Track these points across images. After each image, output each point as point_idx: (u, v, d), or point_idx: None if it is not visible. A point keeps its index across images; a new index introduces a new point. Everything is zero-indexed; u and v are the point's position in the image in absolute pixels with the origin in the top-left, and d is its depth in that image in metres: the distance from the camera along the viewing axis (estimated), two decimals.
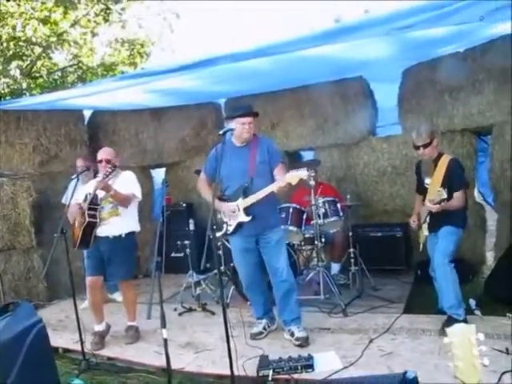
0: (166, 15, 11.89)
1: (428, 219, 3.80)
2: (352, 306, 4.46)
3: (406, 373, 1.64)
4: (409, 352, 3.33)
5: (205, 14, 35.84)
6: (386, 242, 5.51)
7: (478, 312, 3.89)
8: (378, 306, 4.42)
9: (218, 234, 3.86)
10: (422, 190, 3.96)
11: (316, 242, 4.68)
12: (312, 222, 4.72)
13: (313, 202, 4.64)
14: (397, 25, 3.43)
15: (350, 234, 5.01)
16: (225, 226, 3.80)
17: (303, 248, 5.05)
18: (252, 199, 3.61)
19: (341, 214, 4.84)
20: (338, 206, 4.86)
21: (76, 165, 5.31)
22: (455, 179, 3.66)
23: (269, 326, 4.02)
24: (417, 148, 3.78)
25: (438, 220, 3.70)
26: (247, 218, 3.66)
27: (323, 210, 4.72)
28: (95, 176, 4.60)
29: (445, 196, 3.41)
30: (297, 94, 6.09)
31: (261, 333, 3.94)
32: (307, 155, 6.73)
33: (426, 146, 3.71)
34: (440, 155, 3.79)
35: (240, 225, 3.71)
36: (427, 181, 3.84)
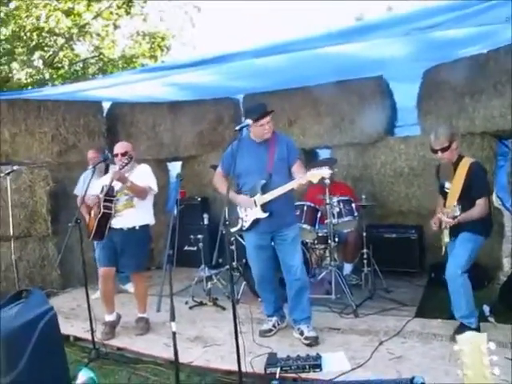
0: (188, 9, 11.92)
1: (449, 225, 3.59)
2: (363, 307, 4.43)
3: (413, 378, 1.62)
4: (419, 356, 3.29)
5: (227, 10, 35.81)
6: (400, 244, 5.45)
7: (491, 319, 3.81)
8: (389, 309, 4.38)
9: (233, 230, 3.87)
10: (442, 194, 3.80)
11: (329, 242, 4.66)
12: (326, 221, 4.69)
13: (327, 201, 4.60)
14: (419, 25, 3.36)
15: (364, 234, 4.96)
16: (240, 221, 3.79)
17: (316, 247, 5.02)
18: (271, 195, 3.58)
19: (355, 213, 4.80)
20: (353, 205, 4.82)
21: (87, 156, 5.33)
22: (477, 185, 3.46)
23: (278, 324, 4.02)
24: (434, 152, 3.60)
25: (457, 225, 3.49)
26: (264, 215, 3.64)
27: (337, 210, 4.69)
28: (107, 170, 4.65)
29: (457, 213, 3.25)
30: (314, 91, 6.03)
31: (270, 330, 3.94)
32: (323, 153, 6.68)
33: (444, 149, 3.53)
34: (460, 158, 3.60)
35: (256, 221, 3.70)
36: (447, 185, 3.67)
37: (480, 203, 3.46)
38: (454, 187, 3.54)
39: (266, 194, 3.60)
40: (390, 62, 4.89)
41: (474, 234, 3.53)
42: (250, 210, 3.70)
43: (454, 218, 3.30)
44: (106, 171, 4.73)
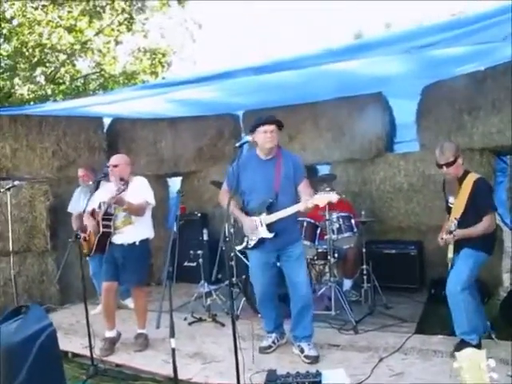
0: (188, 25, 12.07)
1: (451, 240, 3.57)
2: (363, 323, 4.40)
3: None
4: (419, 373, 3.27)
5: (226, 26, 36.26)
6: (399, 260, 5.45)
7: (492, 335, 3.79)
8: (389, 325, 4.36)
9: (239, 248, 3.88)
10: (447, 210, 3.79)
11: (329, 257, 4.66)
12: (326, 237, 4.69)
13: (327, 217, 4.61)
14: (418, 43, 3.41)
15: (364, 250, 4.96)
16: (246, 239, 3.75)
17: (316, 263, 5.01)
18: (276, 216, 3.55)
19: (355, 229, 4.81)
20: (353, 221, 4.83)
21: (78, 174, 5.35)
22: (482, 201, 3.45)
23: (278, 340, 4.00)
24: (440, 167, 3.58)
25: (459, 241, 3.50)
26: (270, 235, 3.61)
27: (337, 225, 4.70)
28: (97, 187, 4.65)
29: (453, 229, 3.29)
30: (315, 107, 6.10)
31: (270, 347, 3.92)
32: (323, 169, 6.71)
33: (449, 164, 3.51)
34: (466, 174, 3.59)
35: (262, 240, 3.67)
36: (451, 200, 3.67)
37: (486, 219, 3.45)
38: (458, 202, 3.54)
39: (272, 214, 3.56)
40: (388, 79, 4.96)
41: (475, 250, 3.51)
42: (255, 230, 3.66)
43: (450, 232, 3.31)
44: (97, 187, 4.74)
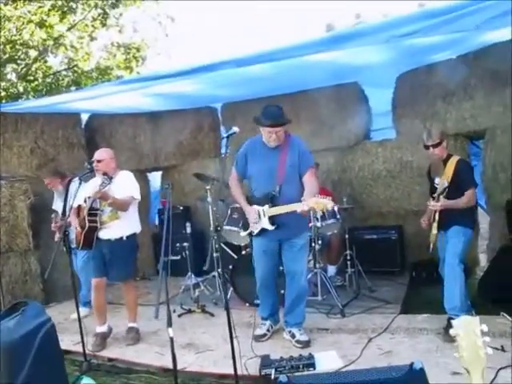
0: (162, 19, 11.97)
1: (437, 217, 3.78)
2: (349, 307, 4.53)
3: (412, 364, 1.72)
4: (407, 350, 3.41)
5: (199, 20, 35.98)
6: (381, 244, 5.62)
7: (472, 313, 3.96)
8: (375, 307, 4.50)
9: (243, 234, 3.89)
10: (432, 192, 3.94)
11: (313, 244, 4.75)
12: (310, 225, 4.78)
13: None
14: (397, 32, 3.51)
15: (347, 236, 5.09)
16: (250, 226, 3.77)
17: None
18: (277, 211, 3.57)
19: (338, 216, 4.92)
20: (336, 208, 4.93)
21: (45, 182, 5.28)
22: (464, 178, 3.69)
23: (272, 327, 4.03)
24: (427, 148, 3.81)
25: (446, 218, 3.70)
26: (271, 227, 3.64)
27: (321, 213, 4.78)
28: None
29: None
30: (294, 98, 6.15)
31: (265, 335, 3.94)
32: None
33: (435, 145, 3.75)
34: (449, 156, 3.85)
35: (264, 230, 3.70)
36: (437, 181, 3.85)
37: (468, 193, 3.67)
38: (444, 181, 3.73)
39: (273, 208, 3.58)
40: (364, 68, 5.04)
41: (464, 227, 3.74)
42: (257, 220, 3.68)
43: (443, 191, 3.50)
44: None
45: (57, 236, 4.97)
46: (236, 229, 4.75)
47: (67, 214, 3.99)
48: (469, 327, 1.51)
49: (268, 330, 3.98)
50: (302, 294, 3.84)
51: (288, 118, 3.73)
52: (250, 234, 3.84)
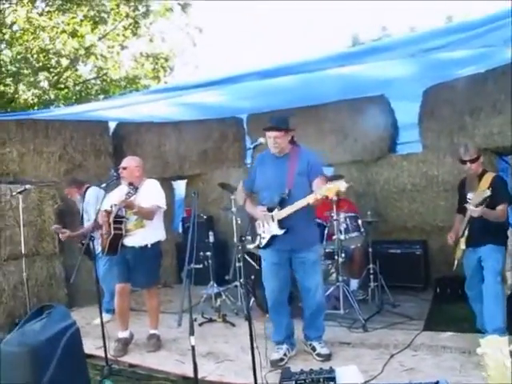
0: (190, 30, 12.14)
1: (466, 232, 3.72)
2: (371, 321, 4.48)
3: (437, 382, 1.69)
4: (430, 368, 3.34)
5: (226, 30, 36.44)
6: (405, 259, 5.54)
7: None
8: (397, 323, 4.44)
9: (251, 246, 3.85)
10: (462, 208, 3.84)
11: (336, 257, 4.72)
12: (334, 237, 4.75)
13: (335, 217, 4.67)
14: (421, 47, 3.49)
15: (370, 250, 5.05)
16: (258, 238, 3.70)
17: (323, 263, 5.08)
18: (287, 211, 3.47)
19: (362, 229, 4.88)
20: (359, 221, 4.91)
21: (65, 192, 5.50)
22: (499, 193, 3.61)
23: (289, 352, 3.79)
24: (463, 163, 3.80)
25: (477, 235, 3.64)
26: (280, 231, 3.53)
27: (345, 226, 4.77)
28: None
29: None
30: (318, 110, 6.18)
31: (281, 359, 3.68)
32: (326, 171, 6.77)
33: (473, 161, 3.74)
34: (484, 172, 3.82)
35: (273, 238, 3.59)
36: (470, 196, 3.73)
37: (501, 208, 3.62)
38: (486, 190, 3.59)
39: (284, 209, 3.50)
40: (391, 81, 5.04)
41: (498, 245, 3.67)
42: (267, 227, 3.62)
43: (484, 200, 3.40)
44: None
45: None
46: None
47: (92, 219, 4.07)
48: (496, 347, 1.48)
49: (285, 355, 3.73)
50: (320, 307, 3.78)
51: (289, 127, 3.66)
52: (258, 247, 3.73)
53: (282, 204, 3.53)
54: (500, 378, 1.46)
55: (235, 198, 3.96)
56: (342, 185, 3.22)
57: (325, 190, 3.25)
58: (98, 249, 4.41)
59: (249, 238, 4.89)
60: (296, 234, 3.55)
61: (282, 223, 3.54)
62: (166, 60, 12.15)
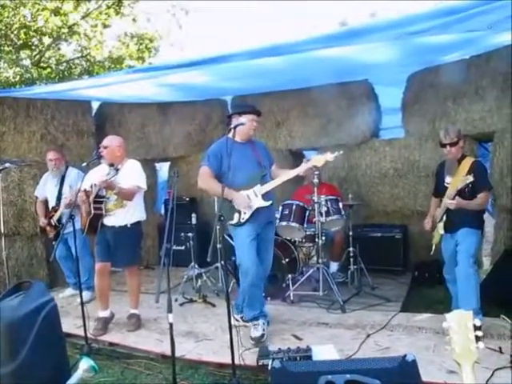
0: (175, 11, 11.98)
1: (444, 218, 3.76)
2: (350, 303, 4.55)
3: (405, 356, 1.73)
4: (405, 347, 3.40)
5: (213, 13, 35.97)
6: (385, 243, 5.61)
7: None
8: (375, 304, 4.51)
9: (232, 222, 3.83)
10: (439, 192, 3.90)
11: (317, 240, 4.76)
12: (314, 220, 4.79)
13: (316, 200, 4.71)
14: (409, 29, 3.49)
15: (350, 233, 5.10)
16: (237, 214, 3.75)
17: (304, 245, 5.13)
18: (271, 185, 3.72)
19: (342, 212, 4.91)
20: (340, 204, 4.93)
21: (47, 157, 5.29)
22: (479, 180, 3.59)
23: (266, 326, 3.83)
24: (443, 146, 3.77)
25: (455, 220, 3.68)
26: (267, 203, 3.75)
27: (325, 208, 4.79)
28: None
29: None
30: (302, 94, 6.18)
31: (262, 335, 3.72)
32: (309, 155, 6.80)
33: (452, 144, 3.71)
34: (463, 156, 3.81)
35: (256, 211, 3.74)
36: (448, 180, 3.79)
37: (481, 196, 3.64)
38: (456, 181, 3.67)
39: (268, 183, 3.71)
40: (375, 66, 5.02)
41: (474, 228, 3.70)
42: (253, 200, 3.72)
43: (467, 186, 3.44)
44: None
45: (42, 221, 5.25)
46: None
47: (71, 197, 4.04)
48: (461, 321, 1.52)
49: (264, 330, 3.76)
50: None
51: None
52: (239, 223, 3.77)
53: (264, 178, 3.76)
54: (464, 352, 1.51)
55: (202, 182, 3.91)
56: (329, 156, 3.46)
57: (314, 160, 3.48)
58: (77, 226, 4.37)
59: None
60: (272, 208, 3.90)
61: (264, 196, 3.75)
62: (151, 41, 12.00)
